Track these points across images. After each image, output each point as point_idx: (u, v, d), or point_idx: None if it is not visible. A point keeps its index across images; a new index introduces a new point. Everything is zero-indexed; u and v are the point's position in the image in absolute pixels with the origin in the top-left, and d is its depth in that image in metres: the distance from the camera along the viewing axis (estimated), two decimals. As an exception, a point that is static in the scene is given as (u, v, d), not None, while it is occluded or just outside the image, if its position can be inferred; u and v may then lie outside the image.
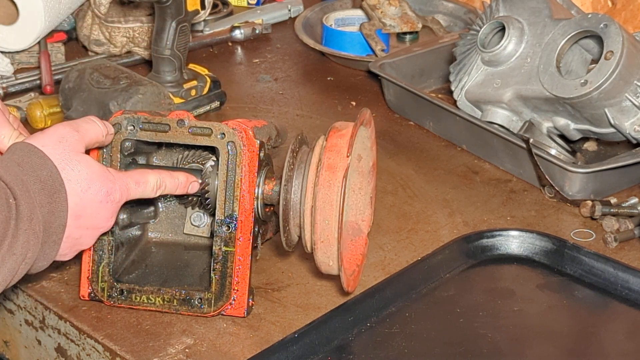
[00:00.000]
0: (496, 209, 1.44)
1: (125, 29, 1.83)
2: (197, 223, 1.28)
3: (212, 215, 1.19)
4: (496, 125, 1.52)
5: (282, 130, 1.35)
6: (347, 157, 1.13)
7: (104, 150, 1.18)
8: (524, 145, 1.45)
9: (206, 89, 1.68)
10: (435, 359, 1.15)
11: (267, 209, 1.21)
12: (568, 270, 1.30)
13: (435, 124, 1.64)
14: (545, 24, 1.49)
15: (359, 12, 1.98)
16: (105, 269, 1.20)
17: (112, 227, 1.19)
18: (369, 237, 1.28)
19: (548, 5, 1.50)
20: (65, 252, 1.07)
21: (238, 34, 1.97)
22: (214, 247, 1.17)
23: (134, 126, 1.18)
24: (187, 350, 1.16)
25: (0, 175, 0.98)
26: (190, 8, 1.61)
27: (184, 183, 1.17)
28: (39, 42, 1.83)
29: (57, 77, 1.73)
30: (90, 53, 1.88)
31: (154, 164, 1.26)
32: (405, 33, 1.94)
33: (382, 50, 1.82)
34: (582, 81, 1.39)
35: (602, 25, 1.40)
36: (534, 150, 1.43)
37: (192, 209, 1.28)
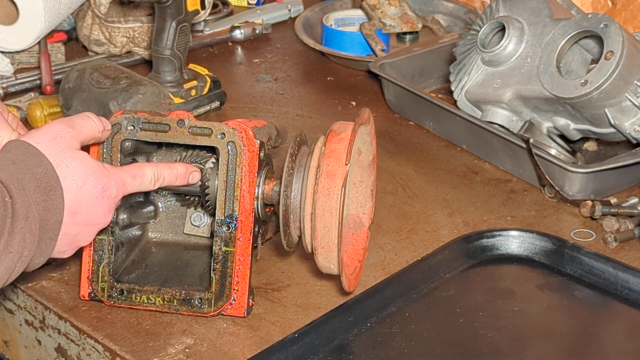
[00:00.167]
0: (496, 209, 1.44)
1: (125, 29, 1.83)
2: (197, 223, 1.28)
3: (212, 215, 1.19)
4: (496, 125, 1.52)
5: (282, 130, 1.35)
6: (346, 165, 1.12)
7: (104, 150, 1.18)
8: (524, 145, 1.45)
9: (206, 89, 1.68)
10: (435, 359, 1.15)
11: (267, 209, 1.21)
12: (568, 270, 1.30)
13: (435, 124, 1.64)
14: (545, 24, 1.49)
15: (359, 12, 1.98)
16: (106, 269, 1.20)
17: (112, 227, 1.19)
18: (370, 234, 1.28)
19: (548, 5, 1.50)
20: (64, 250, 1.06)
21: (238, 34, 1.97)
22: (214, 247, 1.17)
23: (134, 126, 1.18)
24: (187, 350, 1.16)
25: None
26: (190, 8, 1.61)
27: (183, 173, 1.15)
28: (39, 42, 1.83)
29: (57, 77, 1.73)
30: (90, 53, 1.88)
31: (154, 163, 1.26)
32: (405, 33, 1.94)
33: (382, 50, 1.82)
34: (582, 81, 1.39)
35: (602, 25, 1.40)
36: (534, 150, 1.43)
37: (193, 209, 1.28)
